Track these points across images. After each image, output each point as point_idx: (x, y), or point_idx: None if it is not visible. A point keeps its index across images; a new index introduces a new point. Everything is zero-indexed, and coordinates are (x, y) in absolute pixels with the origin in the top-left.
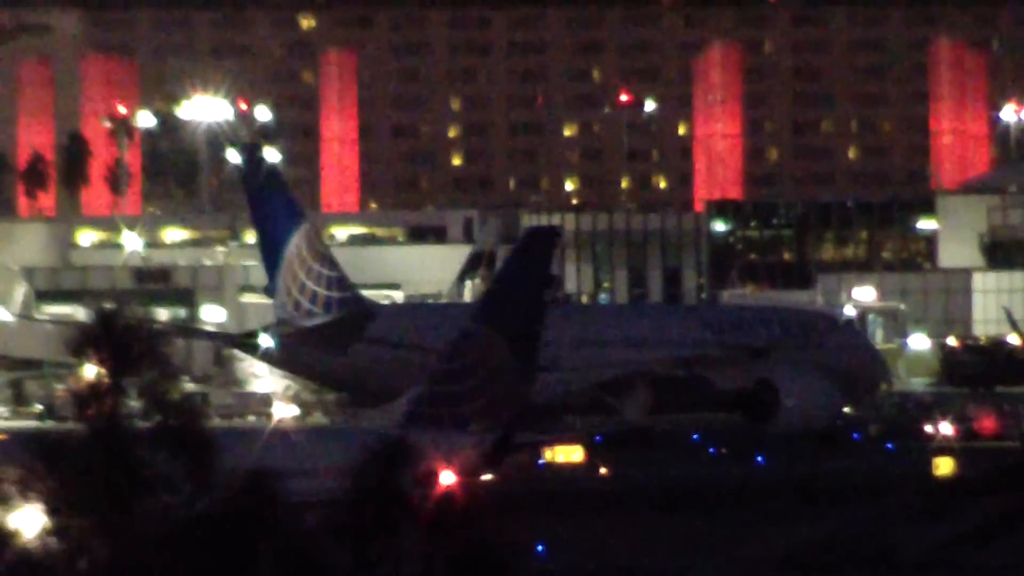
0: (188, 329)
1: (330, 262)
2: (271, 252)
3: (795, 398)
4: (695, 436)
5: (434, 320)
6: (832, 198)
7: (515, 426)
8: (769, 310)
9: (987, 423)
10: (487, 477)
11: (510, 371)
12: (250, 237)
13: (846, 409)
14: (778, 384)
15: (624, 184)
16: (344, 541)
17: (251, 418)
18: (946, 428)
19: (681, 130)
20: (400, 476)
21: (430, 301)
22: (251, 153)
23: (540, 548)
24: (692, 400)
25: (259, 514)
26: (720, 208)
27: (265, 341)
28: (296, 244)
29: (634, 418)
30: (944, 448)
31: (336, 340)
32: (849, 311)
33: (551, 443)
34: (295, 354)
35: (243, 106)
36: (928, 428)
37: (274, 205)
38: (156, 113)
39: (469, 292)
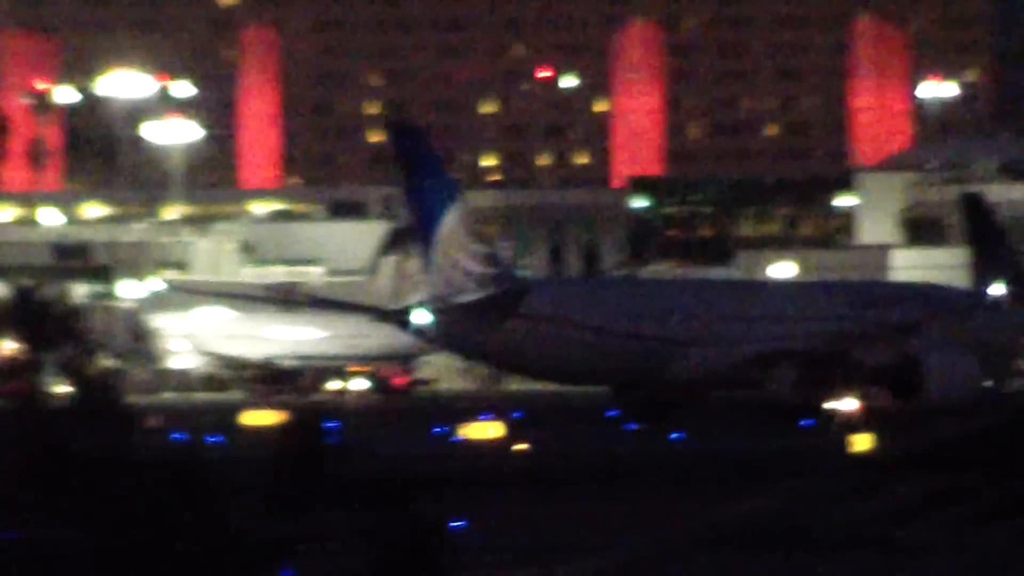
0: (332, 302)
1: (482, 239)
2: (425, 229)
3: (940, 375)
4: (613, 412)
5: (587, 295)
6: (752, 175)
7: None
8: (913, 286)
9: (884, 399)
10: None
11: None
12: (168, 214)
13: (988, 384)
14: (923, 361)
15: (544, 160)
16: (265, 515)
17: (169, 395)
18: (851, 404)
19: (601, 106)
20: (319, 450)
21: (350, 279)
22: (405, 130)
23: (459, 524)
24: (838, 376)
25: (178, 487)
26: (640, 184)
27: (419, 317)
28: (450, 221)
29: (781, 393)
30: (856, 424)
31: (490, 316)
32: (997, 289)
33: None
34: (449, 330)
35: (163, 82)
36: (830, 405)
37: (429, 182)
38: (76, 89)
39: (389, 269)
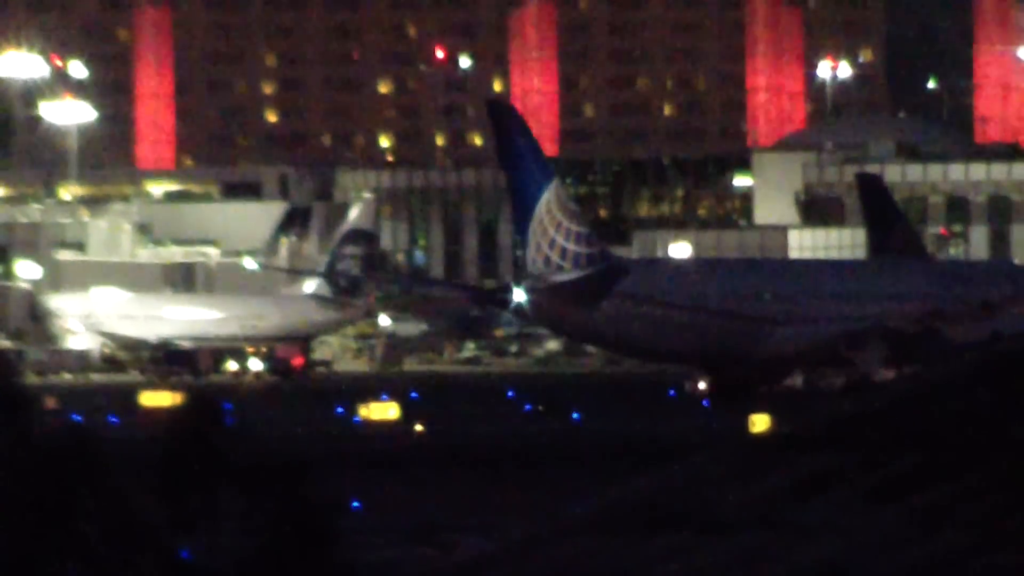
0: (432, 280)
1: (579, 218)
2: (522, 208)
3: None
4: (510, 392)
5: (680, 275)
6: (648, 155)
7: None
8: (999, 264)
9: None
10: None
11: None
12: (65, 194)
13: None
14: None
15: (440, 140)
16: (162, 497)
17: (66, 375)
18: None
19: (497, 86)
20: (214, 431)
21: (245, 258)
22: (501, 110)
23: (355, 505)
24: (926, 354)
25: (75, 468)
26: None
27: (517, 296)
28: (546, 200)
29: (869, 371)
30: (759, 405)
31: (587, 295)
32: None
33: None
34: (546, 308)
35: (58, 62)
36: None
37: (526, 161)
38: None
39: (284, 249)
